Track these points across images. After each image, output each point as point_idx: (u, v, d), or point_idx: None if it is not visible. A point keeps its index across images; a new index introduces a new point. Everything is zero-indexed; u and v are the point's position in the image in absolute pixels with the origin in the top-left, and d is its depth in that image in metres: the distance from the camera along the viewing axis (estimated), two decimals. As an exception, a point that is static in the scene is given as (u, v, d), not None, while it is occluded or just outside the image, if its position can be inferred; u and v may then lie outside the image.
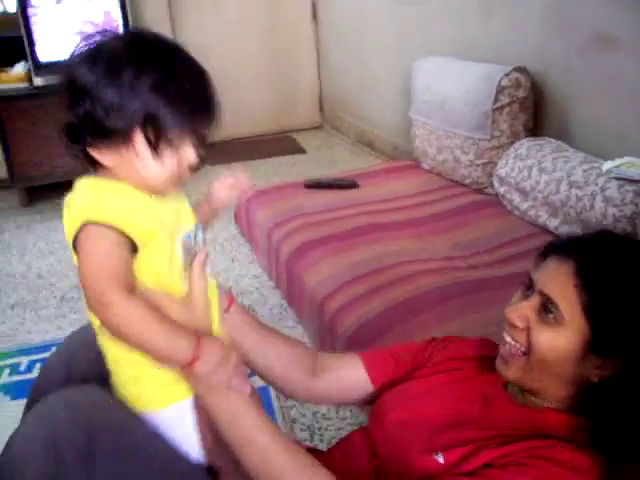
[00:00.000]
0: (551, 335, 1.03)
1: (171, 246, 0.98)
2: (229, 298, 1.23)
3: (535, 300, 1.06)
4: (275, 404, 2.13)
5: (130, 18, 4.12)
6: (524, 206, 2.60)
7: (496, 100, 2.77)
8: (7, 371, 2.48)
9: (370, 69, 4.55)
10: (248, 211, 3.20)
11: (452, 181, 3.11)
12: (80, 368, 1.21)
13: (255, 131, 5.39)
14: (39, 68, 3.89)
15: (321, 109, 5.56)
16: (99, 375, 1.15)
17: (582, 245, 1.07)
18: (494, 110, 2.79)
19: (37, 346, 2.60)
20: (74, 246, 0.93)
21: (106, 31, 0.94)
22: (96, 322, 1.00)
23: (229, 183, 1.22)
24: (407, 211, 2.83)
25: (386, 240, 2.52)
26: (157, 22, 4.58)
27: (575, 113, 2.69)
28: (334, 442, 1.94)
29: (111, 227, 0.90)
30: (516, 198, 2.65)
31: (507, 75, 2.76)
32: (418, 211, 2.82)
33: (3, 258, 3.48)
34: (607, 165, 2.29)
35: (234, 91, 5.09)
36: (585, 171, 2.33)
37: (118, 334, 0.92)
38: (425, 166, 3.30)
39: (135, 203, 0.94)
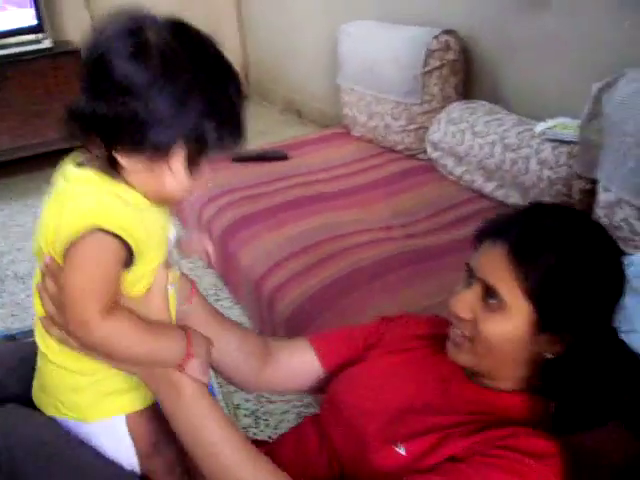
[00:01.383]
0: (497, 321, 1.00)
1: (161, 254, 0.92)
2: (192, 289, 1.14)
3: (477, 288, 1.03)
4: (217, 390, 2.05)
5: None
6: (459, 171, 2.56)
7: (426, 64, 2.72)
8: None
9: (297, 35, 4.43)
10: (176, 188, 3.07)
11: (384, 148, 3.04)
12: None
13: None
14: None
15: (246, 77, 5.41)
16: (16, 393, 1.08)
17: (512, 225, 1.04)
18: (424, 74, 2.73)
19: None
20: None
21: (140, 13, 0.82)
22: (40, 326, 0.94)
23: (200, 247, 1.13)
24: (340, 181, 2.76)
25: (321, 212, 2.45)
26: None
27: (506, 75, 2.66)
28: (281, 427, 1.91)
29: (121, 238, 0.82)
30: (450, 163, 2.61)
31: (436, 38, 2.70)
32: (352, 180, 2.75)
33: None
34: (540, 127, 2.27)
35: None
36: (519, 133, 2.31)
37: (103, 351, 0.87)
38: (355, 133, 3.23)
39: (144, 214, 0.86)
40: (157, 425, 1.02)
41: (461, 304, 1.04)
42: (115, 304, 0.84)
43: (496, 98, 2.67)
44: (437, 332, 1.21)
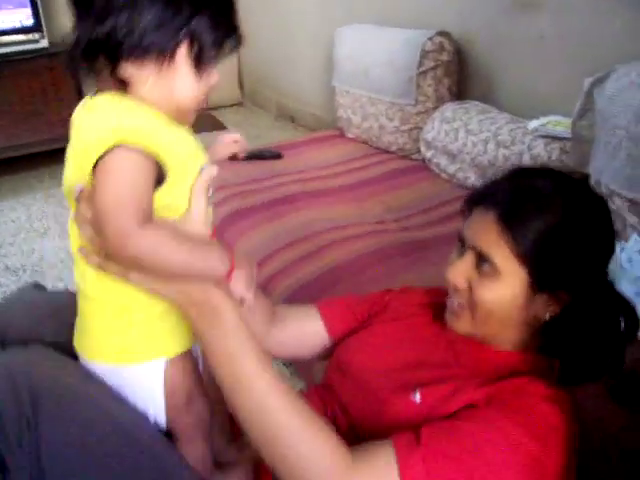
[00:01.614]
0: (492, 288, 1.01)
1: (191, 176, 0.92)
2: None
3: (470, 257, 1.04)
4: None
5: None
6: (452, 169, 2.60)
7: (420, 64, 2.75)
8: None
9: (290, 42, 4.47)
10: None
11: (378, 148, 3.07)
12: (18, 332, 1.13)
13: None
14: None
15: (240, 85, 5.45)
16: (41, 337, 1.10)
17: (499, 191, 1.05)
18: (418, 75, 2.77)
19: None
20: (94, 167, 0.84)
21: None
22: (79, 265, 0.94)
23: (233, 139, 1.16)
24: (335, 179, 2.78)
25: (316, 207, 2.47)
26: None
27: (499, 76, 2.71)
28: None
29: (147, 152, 0.83)
30: (443, 161, 2.64)
31: (430, 39, 2.74)
32: (346, 178, 2.78)
33: None
34: (533, 124, 2.31)
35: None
36: (512, 130, 2.35)
37: (143, 263, 0.84)
38: (349, 135, 3.26)
39: (169, 129, 0.87)
40: (192, 377, 1.03)
41: (456, 273, 1.05)
42: (151, 220, 0.84)
43: (489, 98, 2.71)
44: (439, 301, 1.23)
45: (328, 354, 1.27)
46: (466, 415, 0.94)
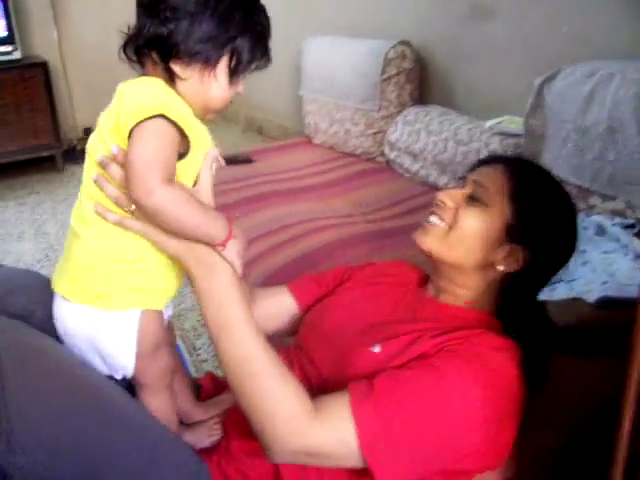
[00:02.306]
0: (477, 214, 1.14)
1: (201, 159, 1.06)
2: None
3: (468, 188, 1.18)
4: (187, 358, 2.15)
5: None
6: (415, 167, 2.74)
7: (384, 72, 2.91)
8: None
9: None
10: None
11: (344, 153, 3.21)
12: None
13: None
14: None
15: (208, 100, 5.56)
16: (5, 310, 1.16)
17: (506, 156, 1.26)
18: (382, 81, 2.92)
19: None
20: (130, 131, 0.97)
21: None
22: (81, 213, 1.06)
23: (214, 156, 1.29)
24: (304, 180, 2.90)
25: (287, 204, 2.59)
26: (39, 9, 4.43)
27: (457, 81, 2.87)
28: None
29: (180, 129, 0.98)
30: (407, 161, 2.79)
31: (393, 48, 2.90)
32: (314, 179, 2.91)
33: None
34: (489, 123, 2.47)
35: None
36: (470, 130, 2.51)
37: (161, 216, 0.97)
38: (316, 141, 3.39)
39: (194, 118, 1.02)
40: (160, 329, 1.13)
41: (448, 194, 1.19)
42: (174, 180, 0.98)
43: (449, 102, 2.87)
44: (400, 271, 1.36)
45: (298, 327, 1.37)
46: (416, 364, 1.04)
